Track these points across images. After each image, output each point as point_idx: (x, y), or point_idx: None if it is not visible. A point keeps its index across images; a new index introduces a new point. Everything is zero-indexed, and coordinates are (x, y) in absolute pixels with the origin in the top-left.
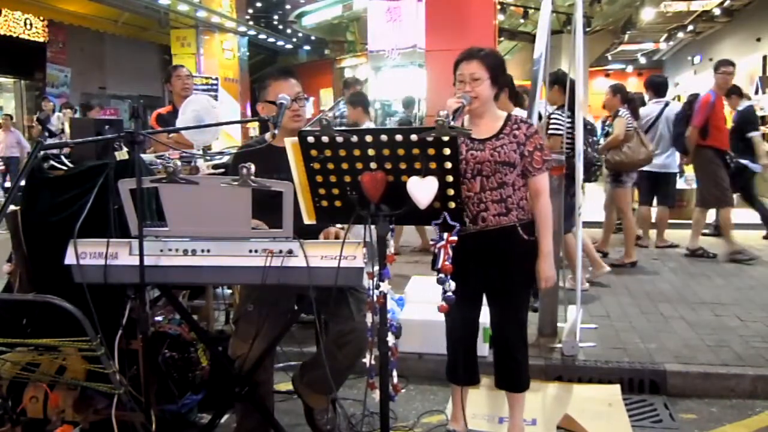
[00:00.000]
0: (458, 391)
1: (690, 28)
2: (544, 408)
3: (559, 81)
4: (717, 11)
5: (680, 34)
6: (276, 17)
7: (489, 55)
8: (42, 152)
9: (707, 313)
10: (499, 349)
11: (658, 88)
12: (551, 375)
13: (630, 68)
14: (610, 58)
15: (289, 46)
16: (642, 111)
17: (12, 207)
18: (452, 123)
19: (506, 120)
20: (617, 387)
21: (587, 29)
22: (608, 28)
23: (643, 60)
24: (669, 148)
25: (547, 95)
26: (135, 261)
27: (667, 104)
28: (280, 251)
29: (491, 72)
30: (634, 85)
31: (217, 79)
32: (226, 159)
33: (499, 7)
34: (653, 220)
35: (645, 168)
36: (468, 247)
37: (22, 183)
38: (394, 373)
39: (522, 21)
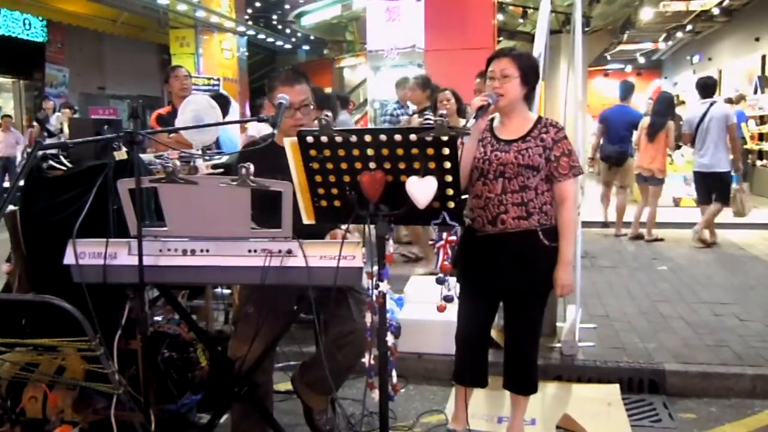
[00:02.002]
0: (463, 392)
1: (689, 27)
2: (543, 408)
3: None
4: (716, 11)
5: (679, 34)
6: (275, 17)
7: (522, 55)
8: (41, 152)
9: (706, 312)
10: (511, 352)
11: (703, 88)
12: (550, 374)
13: (629, 68)
14: (609, 57)
15: (288, 45)
16: (690, 113)
17: (11, 207)
18: (475, 121)
19: (536, 122)
20: (616, 387)
21: (586, 29)
22: (607, 27)
23: (642, 60)
24: (716, 148)
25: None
26: (134, 261)
27: (712, 104)
28: (279, 251)
29: (522, 71)
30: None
31: (218, 79)
32: (225, 159)
33: (497, 6)
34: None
35: (696, 168)
36: (486, 249)
37: (21, 183)
38: (394, 373)
39: (521, 21)
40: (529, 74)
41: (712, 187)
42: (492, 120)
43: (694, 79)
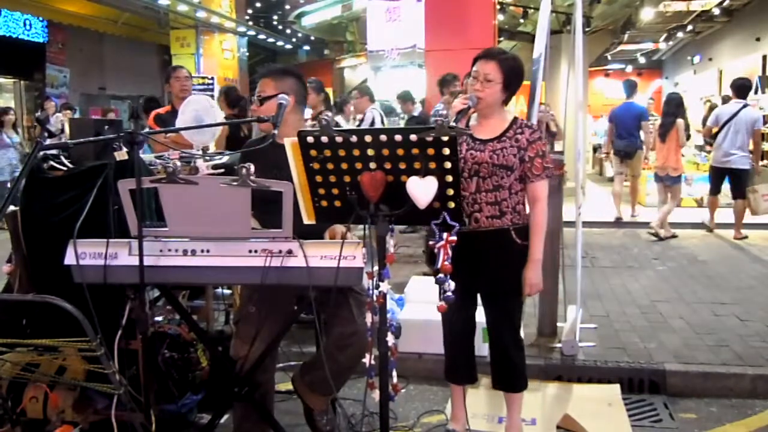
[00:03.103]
0: (457, 391)
1: (689, 28)
2: (543, 408)
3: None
4: (716, 11)
5: (680, 34)
6: (275, 17)
7: (509, 59)
8: (41, 152)
9: (707, 312)
10: (495, 351)
11: (739, 89)
12: (551, 375)
13: (629, 68)
14: (609, 58)
15: (288, 46)
16: (721, 109)
17: (12, 207)
18: (455, 123)
19: (511, 123)
20: (617, 387)
21: (587, 29)
22: (608, 28)
23: (642, 60)
24: (738, 147)
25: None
26: (134, 261)
27: (745, 105)
28: (280, 251)
29: (505, 76)
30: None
31: (213, 78)
32: (225, 159)
33: (498, 7)
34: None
35: (718, 164)
36: (460, 247)
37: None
38: (394, 373)
39: (521, 21)
40: (512, 79)
41: (731, 182)
42: (469, 119)
43: (694, 79)
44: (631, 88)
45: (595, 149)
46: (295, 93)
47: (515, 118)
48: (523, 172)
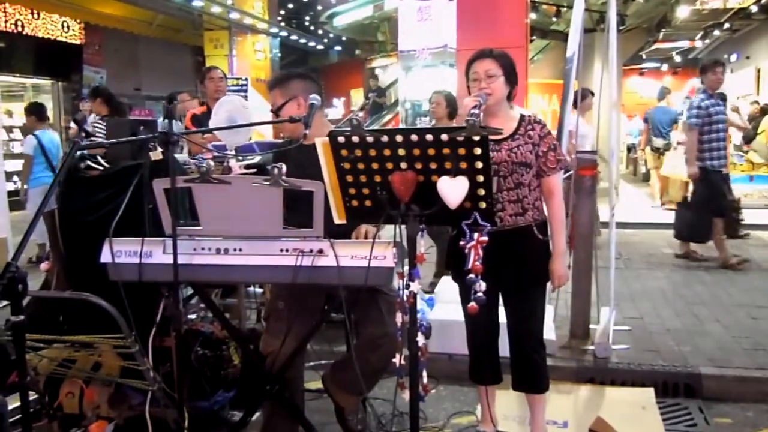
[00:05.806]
0: (483, 392)
1: (726, 25)
2: (575, 410)
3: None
4: (754, 8)
5: (716, 32)
6: (307, 18)
7: (502, 54)
8: (78, 152)
9: (743, 315)
10: (516, 350)
11: None
12: (583, 377)
13: (665, 67)
14: (644, 56)
15: (320, 46)
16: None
17: (50, 206)
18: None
19: (520, 120)
20: (651, 390)
21: (621, 27)
22: (642, 26)
23: (678, 58)
24: None
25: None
26: (169, 259)
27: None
28: (311, 250)
29: (505, 70)
30: (669, 83)
31: (246, 79)
32: (258, 159)
33: (531, 5)
34: None
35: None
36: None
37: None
38: (424, 374)
39: (554, 19)
40: (511, 73)
41: None
42: None
43: (731, 78)
44: (661, 94)
45: (629, 149)
46: (303, 92)
47: (522, 115)
48: (538, 167)
